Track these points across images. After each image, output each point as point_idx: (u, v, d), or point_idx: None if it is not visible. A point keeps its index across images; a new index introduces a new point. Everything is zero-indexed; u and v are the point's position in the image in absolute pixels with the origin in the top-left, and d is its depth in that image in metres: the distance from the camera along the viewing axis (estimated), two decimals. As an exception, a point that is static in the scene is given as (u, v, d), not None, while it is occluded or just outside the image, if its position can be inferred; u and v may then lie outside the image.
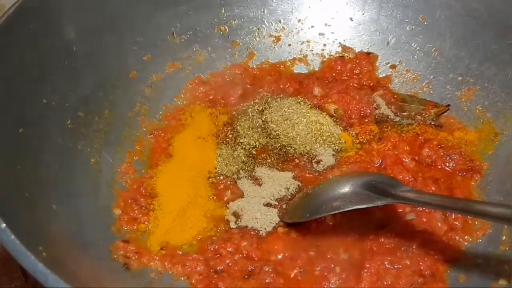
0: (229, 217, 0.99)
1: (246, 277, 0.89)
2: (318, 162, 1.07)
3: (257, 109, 1.17)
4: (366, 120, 1.14)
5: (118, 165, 1.04)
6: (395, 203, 0.94)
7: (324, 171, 1.05)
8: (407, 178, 1.02)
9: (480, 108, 1.12)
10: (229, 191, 1.02)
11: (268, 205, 0.99)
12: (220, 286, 0.87)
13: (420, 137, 1.10)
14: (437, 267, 0.89)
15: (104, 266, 0.87)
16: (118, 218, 0.96)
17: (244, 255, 0.91)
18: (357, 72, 1.23)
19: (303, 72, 1.26)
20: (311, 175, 1.05)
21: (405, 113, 1.16)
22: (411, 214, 0.96)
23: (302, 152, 1.08)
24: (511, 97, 1.08)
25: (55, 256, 0.74)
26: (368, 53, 1.25)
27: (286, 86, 1.21)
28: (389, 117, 1.15)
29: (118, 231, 0.94)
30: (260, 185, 1.02)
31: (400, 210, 0.97)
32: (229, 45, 1.25)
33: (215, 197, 1.01)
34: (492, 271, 0.87)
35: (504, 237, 0.91)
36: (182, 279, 0.89)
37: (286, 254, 0.92)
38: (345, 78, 1.22)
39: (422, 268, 0.89)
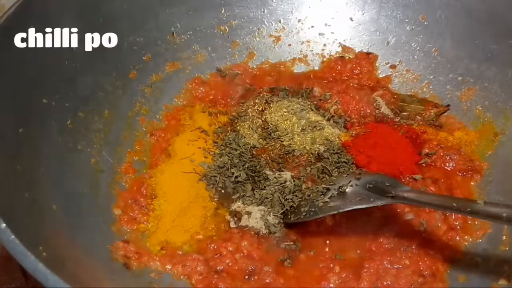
0: (229, 217, 0.99)
1: (246, 277, 0.89)
2: (318, 162, 1.07)
3: (257, 109, 1.17)
4: (366, 120, 1.14)
5: (118, 165, 1.04)
6: (395, 203, 0.94)
7: (324, 171, 1.05)
8: (407, 178, 1.02)
9: (480, 108, 1.12)
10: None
11: (268, 205, 0.99)
12: (220, 286, 0.87)
13: (420, 137, 1.10)
14: (437, 267, 0.89)
15: (104, 266, 0.87)
16: (118, 218, 0.96)
17: (245, 254, 0.92)
18: (357, 72, 1.23)
19: (303, 72, 1.26)
20: (311, 176, 1.04)
21: (405, 113, 1.16)
22: (410, 214, 0.96)
23: (302, 152, 1.08)
24: (511, 97, 1.08)
25: (55, 256, 0.74)
26: (368, 53, 1.25)
27: (286, 86, 1.21)
28: (389, 117, 1.15)
29: (118, 231, 0.94)
30: (260, 185, 1.03)
31: (399, 210, 0.97)
32: (229, 45, 1.26)
33: (215, 197, 1.01)
34: (492, 271, 0.87)
35: (504, 237, 0.91)
36: (182, 279, 0.89)
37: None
38: (345, 78, 1.23)
39: (421, 268, 0.89)
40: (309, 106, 1.15)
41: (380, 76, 1.24)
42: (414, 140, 1.10)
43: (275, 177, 1.03)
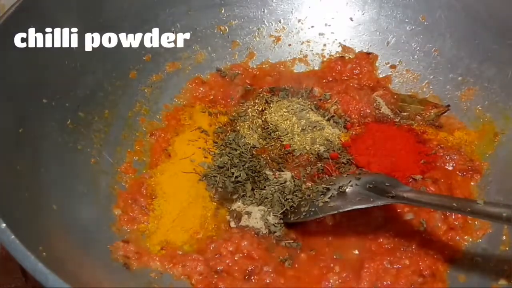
0: (229, 217, 0.99)
1: (246, 277, 0.89)
2: (318, 162, 1.07)
3: (257, 109, 1.17)
4: (366, 120, 1.15)
5: (118, 165, 1.04)
6: (395, 203, 0.94)
7: (324, 171, 1.05)
8: (407, 178, 1.02)
9: (480, 108, 1.12)
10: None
11: (268, 205, 0.99)
12: (220, 286, 0.87)
13: (420, 137, 1.10)
14: (437, 267, 0.89)
15: (104, 266, 0.87)
16: (118, 218, 0.96)
17: (245, 254, 0.92)
18: (357, 72, 1.23)
19: (303, 72, 1.26)
20: (311, 175, 1.04)
21: (405, 113, 1.16)
22: (410, 214, 0.96)
23: (302, 152, 1.08)
24: (511, 97, 1.08)
25: (55, 256, 0.74)
26: (368, 53, 1.25)
27: (286, 86, 1.21)
28: (389, 117, 1.15)
29: (118, 231, 0.95)
30: (260, 185, 1.02)
31: (399, 210, 0.97)
32: (229, 45, 1.26)
33: (215, 197, 1.01)
34: (492, 271, 0.87)
35: (504, 237, 0.91)
36: (182, 279, 0.89)
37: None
38: (345, 78, 1.23)
39: (421, 268, 0.89)
40: (309, 106, 1.15)
41: (380, 76, 1.24)
42: (414, 140, 1.10)
43: (275, 177, 1.03)
